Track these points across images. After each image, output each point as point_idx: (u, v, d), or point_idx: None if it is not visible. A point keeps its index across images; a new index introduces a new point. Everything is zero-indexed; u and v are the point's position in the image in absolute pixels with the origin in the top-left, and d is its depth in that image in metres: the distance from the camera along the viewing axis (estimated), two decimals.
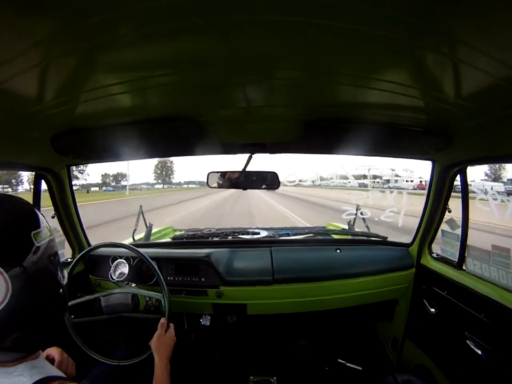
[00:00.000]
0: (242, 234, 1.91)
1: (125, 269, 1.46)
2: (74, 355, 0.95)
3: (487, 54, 0.54)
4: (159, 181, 71.44)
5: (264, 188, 1.50)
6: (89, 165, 1.61)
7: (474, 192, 1.40)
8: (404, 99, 0.80)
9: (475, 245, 1.25)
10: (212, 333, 1.80)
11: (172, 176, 75.35)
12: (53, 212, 1.44)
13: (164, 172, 73.19)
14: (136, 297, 1.27)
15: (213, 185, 1.52)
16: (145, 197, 24.34)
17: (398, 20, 0.47)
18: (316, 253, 1.60)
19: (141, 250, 1.34)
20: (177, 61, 0.63)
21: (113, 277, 1.44)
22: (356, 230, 2.11)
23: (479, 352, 1.07)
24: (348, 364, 1.75)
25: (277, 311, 1.57)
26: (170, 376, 1.15)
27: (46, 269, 0.55)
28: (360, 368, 1.72)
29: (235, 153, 1.36)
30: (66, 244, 1.54)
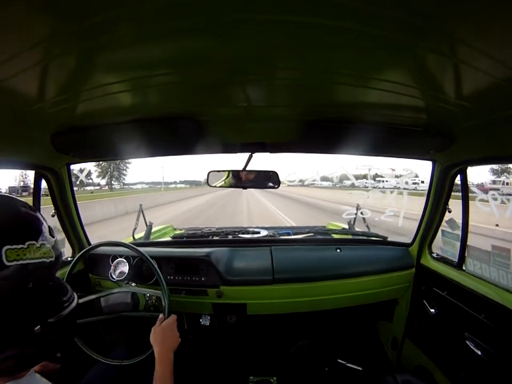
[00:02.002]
0: (242, 233, 1.91)
1: (125, 268, 1.47)
2: (74, 355, 0.95)
3: (487, 54, 0.53)
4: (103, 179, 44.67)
5: (264, 187, 1.50)
6: None
7: (475, 192, 1.40)
8: (404, 99, 0.80)
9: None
10: (211, 333, 1.80)
11: (124, 172, 48.22)
12: (53, 211, 1.44)
13: (113, 165, 45.12)
14: (136, 296, 1.27)
15: (213, 184, 1.53)
16: None
17: (398, 19, 0.47)
18: (316, 253, 1.60)
19: (141, 249, 1.34)
20: (177, 60, 0.63)
21: (113, 276, 1.44)
22: (356, 229, 2.11)
23: (479, 353, 1.07)
24: (348, 364, 1.75)
25: (277, 311, 1.56)
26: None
27: (13, 297, 0.46)
28: (360, 369, 1.72)
29: (235, 152, 1.35)
30: (66, 243, 1.54)
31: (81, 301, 1.27)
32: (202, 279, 1.47)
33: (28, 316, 0.48)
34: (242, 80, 0.74)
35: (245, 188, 1.53)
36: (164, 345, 0.96)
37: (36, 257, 0.49)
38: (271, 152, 1.34)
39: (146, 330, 1.18)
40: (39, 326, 0.49)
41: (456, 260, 1.32)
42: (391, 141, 1.12)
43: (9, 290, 0.45)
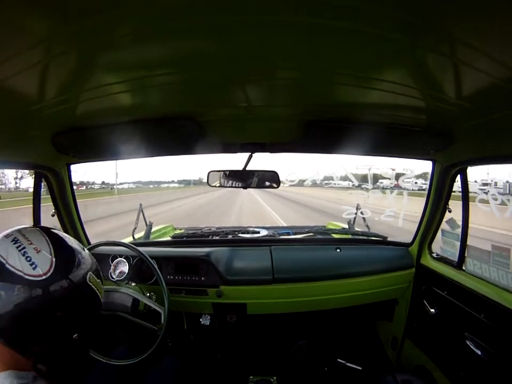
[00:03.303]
0: (242, 233, 1.91)
1: (124, 267, 1.46)
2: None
3: (487, 54, 0.53)
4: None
5: (264, 187, 1.50)
6: None
7: (475, 192, 1.40)
8: (404, 99, 0.80)
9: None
10: (211, 332, 1.80)
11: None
12: (53, 210, 1.44)
13: None
14: (137, 298, 1.27)
15: (214, 184, 1.53)
16: None
17: (398, 19, 0.47)
18: (316, 252, 1.60)
19: (141, 249, 1.34)
20: (177, 60, 0.63)
21: (113, 276, 1.44)
22: (356, 229, 2.11)
23: (479, 352, 1.07)
24: (348, 364, 1.75)
25: (276, 310, 1.57)
26: (170, 375, 1.15)
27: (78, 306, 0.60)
28: (360, 368, 1.72)
29: (235, 152, 1.36)
30: None
31: None
32: (202, 278, 1.47)
33: (78, 322, 0.61)
34: (242, 80, 0.74)
35: (245, 188, 1.53)
36: None
37: (100, 290, 0.65)
38: (271, 152, 1.34)
39: (146, 330, 1.18)
40: (77, 334, 0.60)
41: (456, 260, 1.32)
42: (391, 141, 1.12)
43: (80, 302, 0.61)
